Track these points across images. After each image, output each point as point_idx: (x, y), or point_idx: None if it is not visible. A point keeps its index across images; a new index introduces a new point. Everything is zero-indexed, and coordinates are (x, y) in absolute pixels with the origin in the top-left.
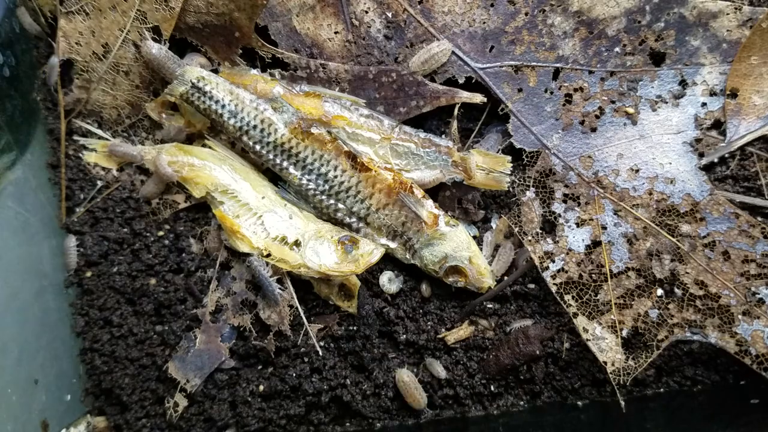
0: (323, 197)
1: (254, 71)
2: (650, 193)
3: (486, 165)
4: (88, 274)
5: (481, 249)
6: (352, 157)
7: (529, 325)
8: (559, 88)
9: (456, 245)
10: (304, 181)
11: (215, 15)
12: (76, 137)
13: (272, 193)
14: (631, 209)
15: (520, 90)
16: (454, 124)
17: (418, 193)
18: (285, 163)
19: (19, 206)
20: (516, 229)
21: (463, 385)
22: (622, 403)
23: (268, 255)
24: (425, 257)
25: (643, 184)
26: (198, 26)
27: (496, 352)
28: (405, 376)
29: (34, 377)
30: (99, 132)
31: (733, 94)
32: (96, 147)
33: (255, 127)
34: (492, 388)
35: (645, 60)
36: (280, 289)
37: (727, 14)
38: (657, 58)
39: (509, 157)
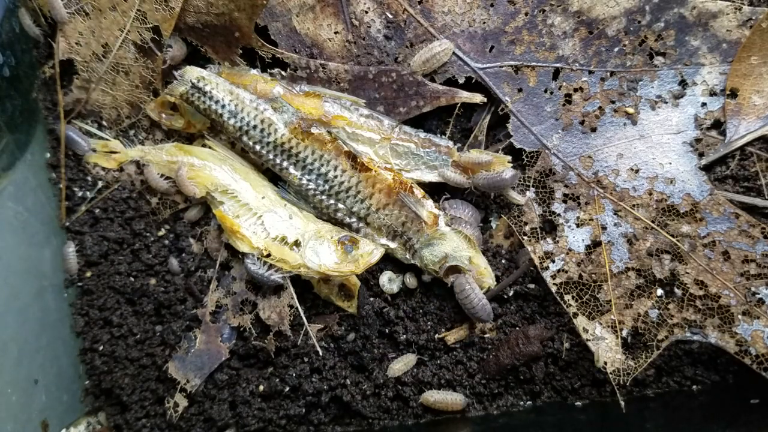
0: (323, 197)
1: (254, 71)
2: (650, 193)
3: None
4: (88, 274)
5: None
6: (352, 157)
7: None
8: (559, 88)
9: (456, 245)
10: (304, 181)
11: (215, 15)
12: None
13: (272, 193)
14: (631, 209)
15: (520, 90)
16: (486, 119)
17: (418, 193)
18: (285, 163)
19: (19, 206)
20: (516, 229)
21: (463, 385)
22: (622, 403)
23: (268, 255)
24: (425, 257)
25: (643, 184)
26: (198, 26)
27: (496, 352)
28: (431, 397)
29: (34, 377)
30: (99, 132)
31: (733, 94)
32: (96, 147)
33: (255, 127)
34: (492, 388)
35: (645, 60)
36: (279, 278)
37: (727, 14)
38: (657, 58)
39: (509, 157)
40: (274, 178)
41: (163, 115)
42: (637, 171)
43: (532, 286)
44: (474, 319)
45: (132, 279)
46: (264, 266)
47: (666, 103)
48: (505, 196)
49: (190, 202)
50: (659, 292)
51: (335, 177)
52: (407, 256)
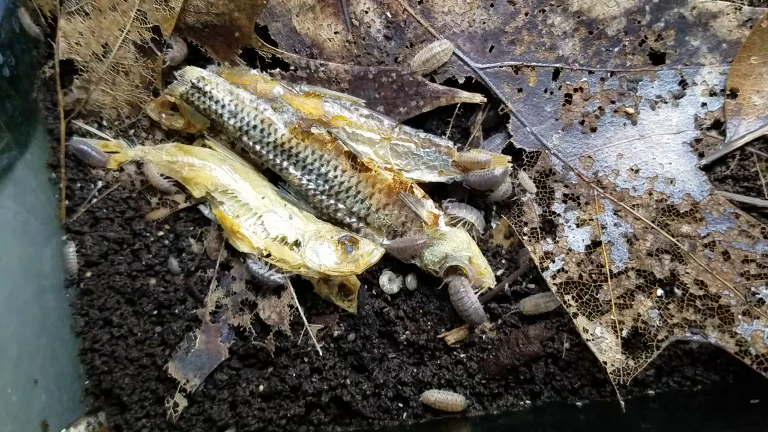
0: (323, 197)
1: (254, 71)
2: (650, 193)
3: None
4: (88, 274)
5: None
6: (352, 157)
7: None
8: (559, 88)
9: (456, 245)
10: (304, 181)
11: (215, 15)
12: (76, 137)
13: (272, 193)
14: (631, 209)
15: (520, 90)
16: (479, 116)
17: (418, 193)
18: (285, 163)
19: (19, 206)
20: (516, 229)
21: (463, 385)
22: (622, 403)
23: (268, 255)
24: (425, 257)
25: (643, 184)
26: (198, 26)
27: (496, 352)
28: (431, 396)
29: (34, 377)
30: (98, 132)
31: (733, 94)
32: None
33: (255, 127)
34: (492, 388)
35: (645, 60)
36: (281, 278)
37: (727, 14)
38: (657, 58)
39: (509, 157)
40: (274, 178)
41: (163, 115)
42: (637, 171)
43: (532, 286)
44: (466, 320)
45: (132, 279)
46: (265, 266)
47: (666, 103)
48: (521, 182)
49: (190, 202)
50: (659, 292)
51: (335, 177)
52: (407, 256)
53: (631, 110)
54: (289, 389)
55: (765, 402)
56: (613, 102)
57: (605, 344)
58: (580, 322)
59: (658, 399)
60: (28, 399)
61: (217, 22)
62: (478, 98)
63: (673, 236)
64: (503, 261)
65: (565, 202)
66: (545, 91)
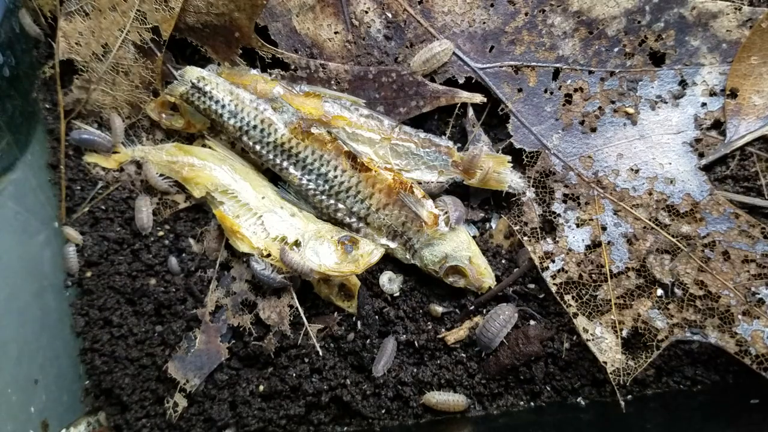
0: (323, 197)
1: (254, 71)
2: (650, 193)
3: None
4: (88, 274)
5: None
6: (352, 157)
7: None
8: (559, 88)
9: (456, 245)
10: (304, 181)
11: (215, 15)
12: (75, 129)
13: (272, 193)
14: (631, 209)
15: (520, 90)
16: (470, 112)
17: (418, 193)
18: (285, 163)
19: (19, 206)
20: (516, 229)
21: (463, 385)
22: (622, 403)
23: (268, 255)
24: (425, 257)
25: (643, 184)
26: (198, 26)
27: (496, 352)
28: (433, 398)
29: (34, 377)
30: (98, 132)
31: (733, 94)
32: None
33: (255, 127)
34: (492, 388)
35: (645, 60)
36: (282, 279)
37: (727, 14)
38: (657, 58)
39: (509, 157)
40: (274, 178)
41: (163, 115)
42: (637, 171)
43: (532, 286)
44: (479, 339)
45: (132, 279)
46: (269, 267)
47: (666, 103)
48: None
49: (190, 202)
50: (659, 292)
51: (335, 177)
52: (407, 256)
53: (631, 110)
54: (289, 389)
55: (765, 402)
56: (613, 102)
57: (605, 344)
58: (580, 322)
59: (658, 399)
60: (28, 399)
61: (217, 22)
62: (478, 98)
63: (673, 236)
64: (503, 261)
65: (565, 202)
66: (545, 91)
